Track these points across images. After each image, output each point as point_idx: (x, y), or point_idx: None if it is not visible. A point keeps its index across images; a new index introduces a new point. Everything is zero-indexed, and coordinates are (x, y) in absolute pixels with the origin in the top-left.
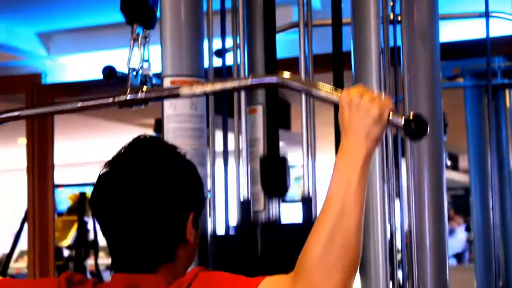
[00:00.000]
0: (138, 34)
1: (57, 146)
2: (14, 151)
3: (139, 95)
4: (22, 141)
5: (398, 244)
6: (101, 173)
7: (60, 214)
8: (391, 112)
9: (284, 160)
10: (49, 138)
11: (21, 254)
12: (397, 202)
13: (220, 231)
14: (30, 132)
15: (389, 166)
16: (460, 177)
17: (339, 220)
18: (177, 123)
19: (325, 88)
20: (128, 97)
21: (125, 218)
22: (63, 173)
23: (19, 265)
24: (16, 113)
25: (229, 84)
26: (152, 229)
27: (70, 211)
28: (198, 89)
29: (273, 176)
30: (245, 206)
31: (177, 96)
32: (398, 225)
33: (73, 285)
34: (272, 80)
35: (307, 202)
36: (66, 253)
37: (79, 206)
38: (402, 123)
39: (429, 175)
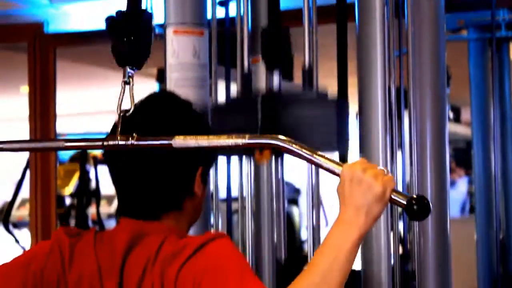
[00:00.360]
0: (130, 77)
1: (60, 96)
2: (17, 100)
3: (130, 141)
4: (25, 89)
5: None
6: (115, 122)
7: (62, 163)
8: (393, 190)
9: (286, 31)
10: (51, 87)
11: (23, 202)
12: (399, 153)
13: (221, 103)
14: (33, 81)
15: (392, 117)
16: (462, 130)
17: (320, 282)
18: (180, 72)
19: (326, 158)
20: (118, 142)
21: (135, 165)
22: (65, 123)
23: (21, 213)
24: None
25: (223, 141)
26: (161, 177)
27: (72, 159)
28: (192, 141)
29: (273, 47)
30: (245, 78)
31: (169, 146)
32: (399, 177)
33: (72, 236)
34: (270, 142)
35: (307, 72)
36: (68, 201)
37: (81, 154)
38: (405, 203)
39: (432, 127)
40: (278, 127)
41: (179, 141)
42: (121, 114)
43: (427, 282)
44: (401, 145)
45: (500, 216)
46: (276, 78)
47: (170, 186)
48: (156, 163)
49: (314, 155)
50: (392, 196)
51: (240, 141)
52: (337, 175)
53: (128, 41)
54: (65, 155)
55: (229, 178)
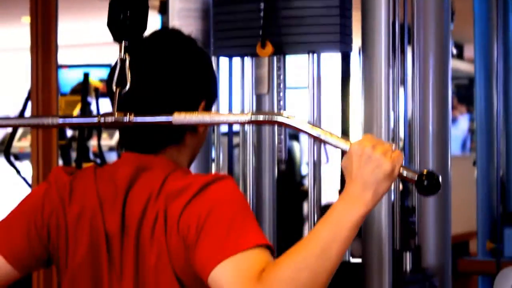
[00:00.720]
0: (126, 53)
1: (62, 27)
2: (18, 30)
3: (127, 118)
4: (26, 19)
5: (401, 132)
6: (120, 55)
7: (64, 94)
8: (402, 167)
9: None
10: (53, 17)
11: (24, 133)
12: (401, 89)
13: None
14: (34, 10)
15: (395, 53)
16: (465, 67)
17: (315, 259)
18: (183, 3)
19: (333, 135)
20: (115, 119)
21: (136, 97)
22: (67, 54)
23: (22, 144)
24: None
25: (226, 118)
26: (162, 110)
27: (74, 91)
28: (193, 118)
29: None
30: None
31: (169, 123)
32: (401, 113)
33: (71, 174)
34: (275, 119)
35: None
36: (69, 133)
37: (83, 86)
38: (415, 179)
39: (435, 63)
40: (281, 20)
41: (178, 118)
42: (118, 91)
43: (427, 218)
44: (403, 81)
45: (501, 153)
46: None
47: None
48: (157, 96)
49: (321, 132)
50: (402, 173)
51: (243, 118)
52: (345, 151)
53: (125, 16)
54: (67, 86)
55: (230, 111)
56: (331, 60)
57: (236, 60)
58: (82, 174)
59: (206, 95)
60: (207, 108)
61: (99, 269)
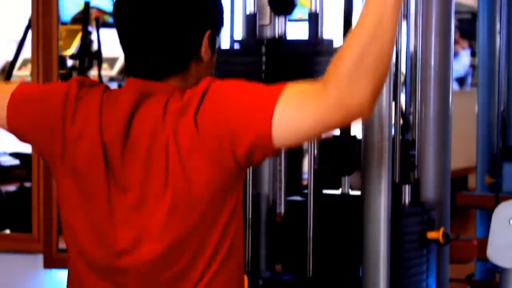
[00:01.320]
0: None
1: None
2: None
3: None
4: None
5: (403, 66)
6: None
7: (64, 24)
8: None
9: None
10: None
11: (25, 62)
12: (403, 23)
13: (225, 45)
14: None
15: None
16: (467, 1)
17: (375, 33)
18: None
19: None
20: None
21: (142, 25)
22: None
23: (22, 73)
24: None
25: None
26: (167, 36)
27: (74, 20)
28: None
29: None
30: (250, 20)
31: None
32: (403, 46)
33: (84, 87)
34: None
35: (313, 18)
36: (69, 62)
37: (84, 15)
38: None
39: None
40: (282, 74)
41: None
42: None
43: (427, 152)
44: (406, 15)
45: (502, 88)
46: (282, 22)
47: (175, 45)
48: (163, 22)
49: None
50: None
51: None
52: None
53: None
54: (67, 16)
55: (232, 32)
56: None
57: None
58: (91, 93)
59: (211, 24)
60: (213, 38)
61: (98, 186)
